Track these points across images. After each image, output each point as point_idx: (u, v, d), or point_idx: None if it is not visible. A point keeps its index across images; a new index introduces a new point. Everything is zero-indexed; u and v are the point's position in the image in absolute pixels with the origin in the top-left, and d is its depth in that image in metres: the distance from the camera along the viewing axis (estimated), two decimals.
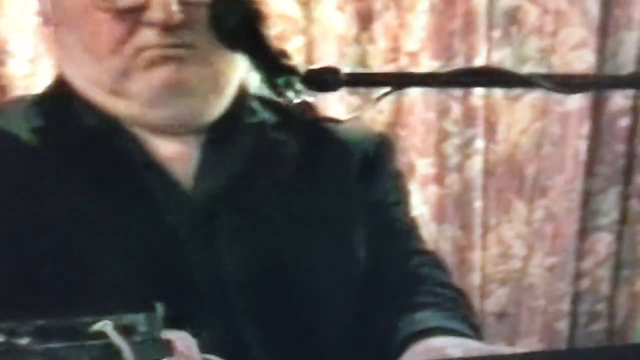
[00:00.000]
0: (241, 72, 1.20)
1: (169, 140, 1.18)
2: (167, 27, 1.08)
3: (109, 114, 1.15)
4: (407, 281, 1.26)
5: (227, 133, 1.20)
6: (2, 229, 1.09)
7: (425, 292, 1.25)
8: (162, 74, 1.10)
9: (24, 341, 0.77)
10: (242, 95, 1.24)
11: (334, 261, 1.21)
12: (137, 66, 1.10)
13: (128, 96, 1.12)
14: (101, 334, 0.78)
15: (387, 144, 1.34)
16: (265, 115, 1.25)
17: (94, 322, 0.79)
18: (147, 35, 1.09)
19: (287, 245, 1.18)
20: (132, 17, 1.08)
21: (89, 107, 1.16)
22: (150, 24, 1.08)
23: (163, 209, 1.15)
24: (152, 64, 1.10)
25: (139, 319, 0.81)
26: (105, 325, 0.79)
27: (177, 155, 1.18)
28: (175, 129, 1.17)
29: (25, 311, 0.81)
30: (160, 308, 0.82)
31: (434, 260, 1.33)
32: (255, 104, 1.26)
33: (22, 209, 1.10)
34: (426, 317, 1.18)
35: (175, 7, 1.07)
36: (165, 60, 1.10)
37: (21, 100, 1.25)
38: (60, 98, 1.18)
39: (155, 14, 1.07)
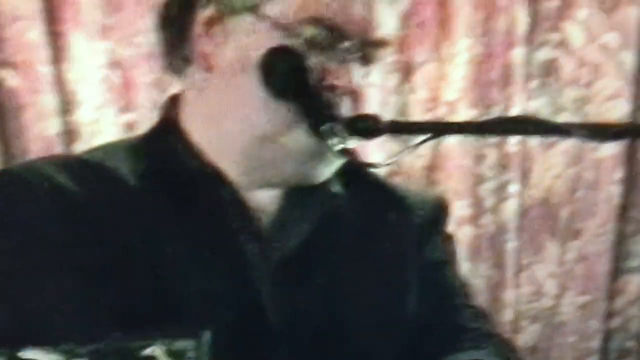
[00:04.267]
0: None
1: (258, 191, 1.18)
2: None
3: (209, 160, 1.16)
4: (455, 332, 1.28)
5: (302, 193, 1.20)
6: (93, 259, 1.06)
7: (470, 339, 1.27)
8: None
9: None
10: None
11: (389, 320, 1.22)
12: None
13: None
14: (152, 358, 0.76)
15: (443, 209, 1.35)
16: (332, 178, 1.23)
17: (146, 347, 0.77)
18: None
19: (346, 307, 1.18)
20: None
21: (193, 152, 1.17)
22: None
23: (248, 257, 1.14)
24: None
25: (188, 345, 0.78)
26: (154, 350, 0.77)
27: (263, 206, 1.18)
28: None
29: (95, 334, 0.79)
30: (206, 335, 0.79)
31: (479, 313, 1.34)
32: None
33: (119, 242, 1.08)
34: (470, 355, 1.20)
35: None
36: None
37: (126, 140, 1.25)
38: (165, 141, 1.19)
39: None
